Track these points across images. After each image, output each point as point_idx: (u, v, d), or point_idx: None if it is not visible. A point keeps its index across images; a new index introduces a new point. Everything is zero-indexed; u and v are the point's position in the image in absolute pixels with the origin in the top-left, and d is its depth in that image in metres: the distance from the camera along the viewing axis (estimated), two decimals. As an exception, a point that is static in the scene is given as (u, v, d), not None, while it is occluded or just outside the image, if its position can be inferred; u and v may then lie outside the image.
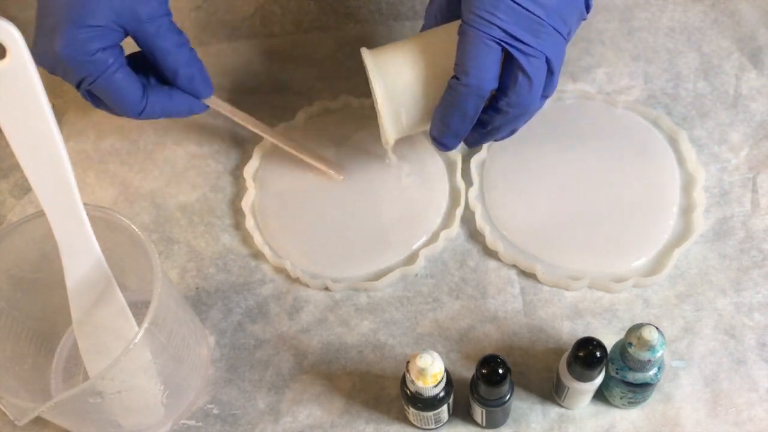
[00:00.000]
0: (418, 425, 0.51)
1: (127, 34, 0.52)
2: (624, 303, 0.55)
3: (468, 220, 0.59)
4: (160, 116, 0.55)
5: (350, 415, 0.53)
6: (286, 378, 0.54)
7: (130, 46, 0.53)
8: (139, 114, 0.54)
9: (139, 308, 0.53)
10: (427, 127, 0.53)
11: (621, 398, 0.50)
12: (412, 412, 0.49)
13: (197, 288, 0.58)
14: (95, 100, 0.54)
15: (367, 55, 0.52)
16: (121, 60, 0.52)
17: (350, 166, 0.61)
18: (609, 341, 0.48)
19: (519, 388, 0.53)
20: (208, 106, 0.57)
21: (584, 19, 0.50)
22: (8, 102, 0.41)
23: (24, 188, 0.63)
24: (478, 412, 0.50)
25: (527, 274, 0.57)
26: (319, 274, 0.57)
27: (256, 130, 0.59)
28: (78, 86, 0.52)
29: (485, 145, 0.61)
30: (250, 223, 0.59)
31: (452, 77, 0.48)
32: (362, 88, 0.65)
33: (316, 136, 0.63)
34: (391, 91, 0.51)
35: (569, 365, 0.47)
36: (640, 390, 0.48)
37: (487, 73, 0.47)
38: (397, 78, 0.51)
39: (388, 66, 0.51)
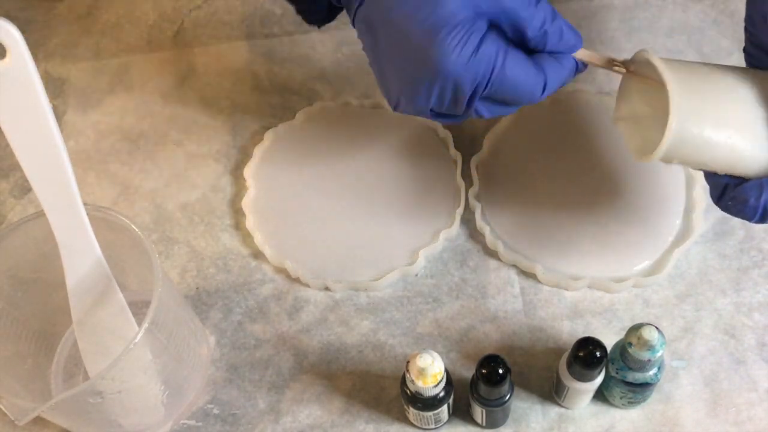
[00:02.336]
0: (418, 425, 0.51)
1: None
2: (624, 303, 0.55)
3: (468, 220, 0.59)
4: (555, 90, 0.46)
5: (350, 415, 0.53)
6: (286, 378, 0.54)
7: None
8: (542, 94, 0.46)
9: (139, 308, 0.53)
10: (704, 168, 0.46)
11: (621, 398, 0.50)
12: (412, 412, 0.49)
13: (197, 288, 0.58)
14: (491, 107, 0.46)
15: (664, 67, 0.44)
16: (503, 45, 0.44)
17: (349, 166, 0.61)
18: (609, 341, 0.48)
19: (519, 388, 0.53)
20: (586, 65, 0.48)
21: None
22: (8, 102, 0.41)
23: (24, 188, 0.63)
24: (478, 412, 0.50)
25: (527, 274, 0.57)
26: (319, 274, 0.57)
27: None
28: (470, 101, 0.45)
29: (485, 145, 0.61)
30: (250, 223, 0.59)
31: None
32: (362, 88, 0.65)
33: (316, 136, 0.63)
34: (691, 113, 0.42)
35: (569, 365, 0.47)
36: (640, 390, 0.48)
37: None
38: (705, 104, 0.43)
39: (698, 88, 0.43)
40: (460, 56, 0.42)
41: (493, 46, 0.43)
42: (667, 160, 0.44)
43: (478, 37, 0.43)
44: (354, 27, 0.47)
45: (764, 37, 0.44)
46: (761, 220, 0.44)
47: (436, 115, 0.47)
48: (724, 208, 0.46)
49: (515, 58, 0.44)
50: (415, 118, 0.62)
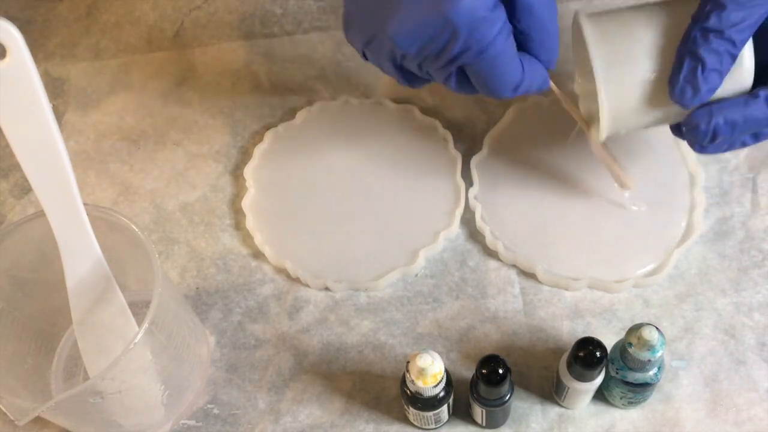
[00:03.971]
0: (418, 425, 0.51)
1: None
2: (624, 303, 0.55)
3: (468, 220, 0.59)
4: (521, 93, 0.46)
5: (350, 415, 0.53)
6: (286, 378, 0.54)
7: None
8: (514, 91, 0.45)
9: (139, 308, 0.53)
10: (652, 122, 0.48)
11: (621, 398, 0.50)
12: (412, 412, 0.49)
13: (197, 288, 0.58)
14: (459, 82, 0.45)
15: (585, 21, 0.46)
16: (507, 20, 0.43)
17: (349, 166, 0.61)
18: (609, 341, 0.48)
19: (519, 388, 0.53)
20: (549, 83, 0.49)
21: None
22: (8, 102, 0.41)
23: (24, 188, 0.63)
24: (478, 412, 0.50)
25: (527, 274, 0.57)
26: (320, 274, 0.57)
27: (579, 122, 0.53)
28: (452, 61, 0.43)
29: (485, 145, 0.61)
30: (250, 222, 0.59)
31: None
32: (362, 88, 0.65)
33: (316, 136, 0.63)
34: (613, 70, 0.45)
35: (569, 365, 0.47)
36: (640, 390, 0.48)
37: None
38: (625, 52, 0.45)
39: (613, 35, 0.45)
40: (480, 6, 0.41)
41: (502, 14, 0.42)
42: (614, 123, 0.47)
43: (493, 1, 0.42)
44: None
45: None
46: (711, 142, 0.47)
47: (401, 69, 0.46)
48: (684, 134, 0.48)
49: (511, 39, 0.44)
50: (415, 117, 0.62)
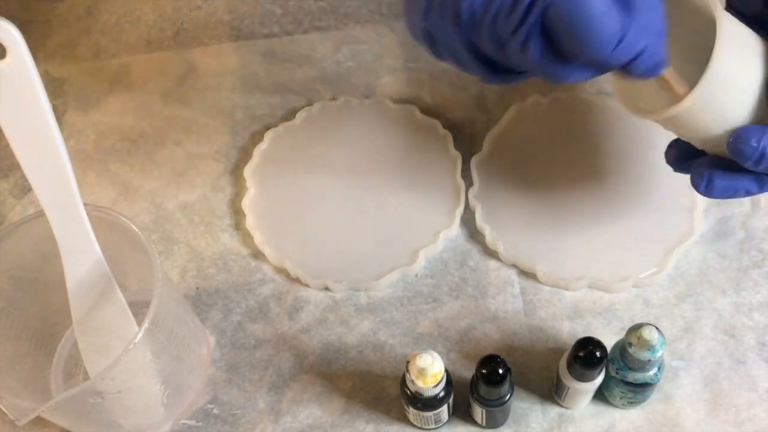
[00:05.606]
0: (418, 425, 0.51)
1: None
2: (624, 303, 0.55)
3: (468, 220, 0.59)
4: (626, 54, 0.37)
5: (350, 415, 0.53)
6: (286, 378, 0.54)
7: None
8: (616, 46, 0.36)
9: (139, 308, 0.53)
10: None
11: (621, 398, 0.50)
12: (412, 412, 0.49)
13: (197, 288, 0.58)
14: (541, 45, 0.37)
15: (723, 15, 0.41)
16: None
17: (349, 166, 0.61)
18: (609, 341, 0.48)
19: (519, 388, 0.53)
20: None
21: None
22: (8, 102, 0.41)
23: (24, 188, 0.63)
24: (478, 412, 0.50)
25: (527, 274, 0.57)
26: (320, 274, 0.57)
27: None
28: (520, 19, 0.36)
29: (485, 145, 0.61)
30: (250, 222, 0.59)
31: None
32: (362, 88, 0.65)
33: (316, 136, 0.63)
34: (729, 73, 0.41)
35: (569, 365, 0.47)
36: (640, 390, 0.48)
37: None
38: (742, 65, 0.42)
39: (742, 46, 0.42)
40: None
41: None
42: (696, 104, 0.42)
43: None
44: None
45: None
46: (756, 164, 0.42)
47: (473, 51, 0.39)
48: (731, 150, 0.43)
49: None
50: (415, 117, 0.62)
